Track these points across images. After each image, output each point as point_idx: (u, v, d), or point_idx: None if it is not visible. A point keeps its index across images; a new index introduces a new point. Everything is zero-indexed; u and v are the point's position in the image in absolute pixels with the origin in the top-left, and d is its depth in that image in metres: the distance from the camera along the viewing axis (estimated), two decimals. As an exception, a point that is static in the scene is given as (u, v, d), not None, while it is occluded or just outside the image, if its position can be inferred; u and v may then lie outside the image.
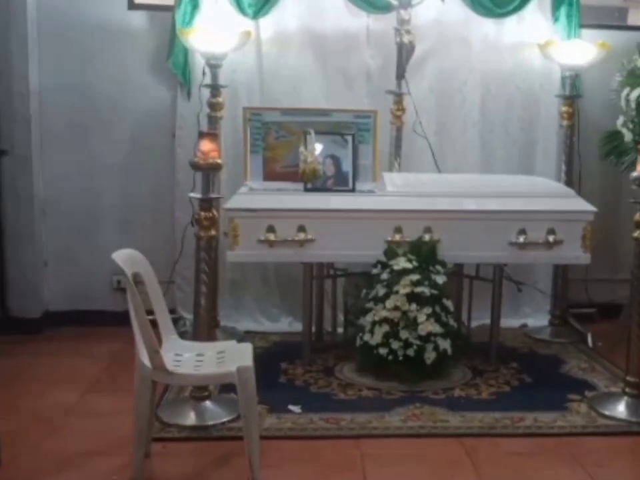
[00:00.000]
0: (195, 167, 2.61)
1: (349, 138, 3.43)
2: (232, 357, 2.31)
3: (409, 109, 3.78)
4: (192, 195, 2.76)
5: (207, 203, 2.67)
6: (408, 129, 3.81)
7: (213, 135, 2.66)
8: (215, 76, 3.63)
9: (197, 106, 3.75)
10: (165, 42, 3.77)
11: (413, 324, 3.06)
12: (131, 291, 2.14)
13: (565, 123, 3.87)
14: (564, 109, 3.85)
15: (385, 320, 3.08)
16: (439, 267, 3.18)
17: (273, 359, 3.42)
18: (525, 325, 4.07)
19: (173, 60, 3.76)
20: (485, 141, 4.00)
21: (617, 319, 3.80)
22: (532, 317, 4.13)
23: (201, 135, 2.63)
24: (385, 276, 3.15)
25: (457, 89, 3.94)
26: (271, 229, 3.14)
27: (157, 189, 3.94)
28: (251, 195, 3.29)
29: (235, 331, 3.83)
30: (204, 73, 3.66)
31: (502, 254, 3.25)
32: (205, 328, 2.70)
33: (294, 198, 3.25)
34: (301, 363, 3.34)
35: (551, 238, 3.23)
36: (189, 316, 3.82)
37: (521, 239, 3.23)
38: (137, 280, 2.26)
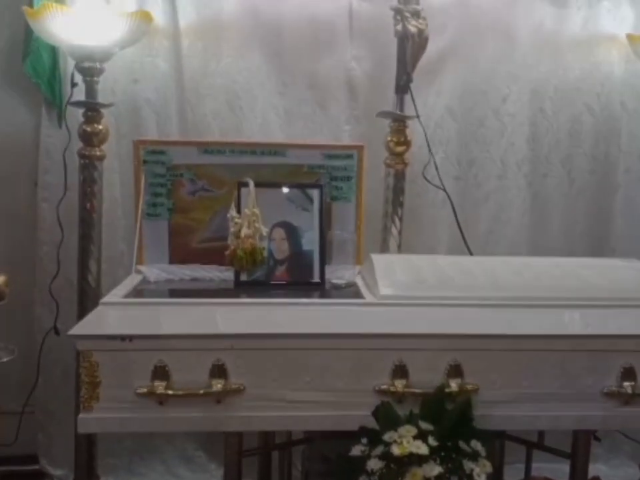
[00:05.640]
0: None
1: (315, 193, 1.99)
2: None
3: (416, 141, 2.34)
4: None
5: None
6: (414, 175, 2.38)
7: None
8: (90, 88, 2.17)
9: (67, 137, 2.30)
10: (21, 36, 2.33)
11: None
12: None
13: (670, 164, 2.44)
14: (669, 141, 2.43)
15: None
16: (476, 445, 1.69)
17: None
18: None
19: (31, 61, 2.32)
20: (537, 190, 2.59)
21: None
22: (604, 463, 2.72)
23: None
24: (375, 464, 1.66)
25: (493, 110, 2.53)
26: (161, 373, 1.66)
27: (11, 268, 2.41)
28: (129, 307, 1.80)
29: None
30: (73, 84, 2.21)
31: (591, 412, 1.78)
32: None
33: (206, 311, 1.77)
34: None
35: (677, 384, 1.78)
36: (56, 472, 2.47)
37: (627, 388, 1.76)
38: None
